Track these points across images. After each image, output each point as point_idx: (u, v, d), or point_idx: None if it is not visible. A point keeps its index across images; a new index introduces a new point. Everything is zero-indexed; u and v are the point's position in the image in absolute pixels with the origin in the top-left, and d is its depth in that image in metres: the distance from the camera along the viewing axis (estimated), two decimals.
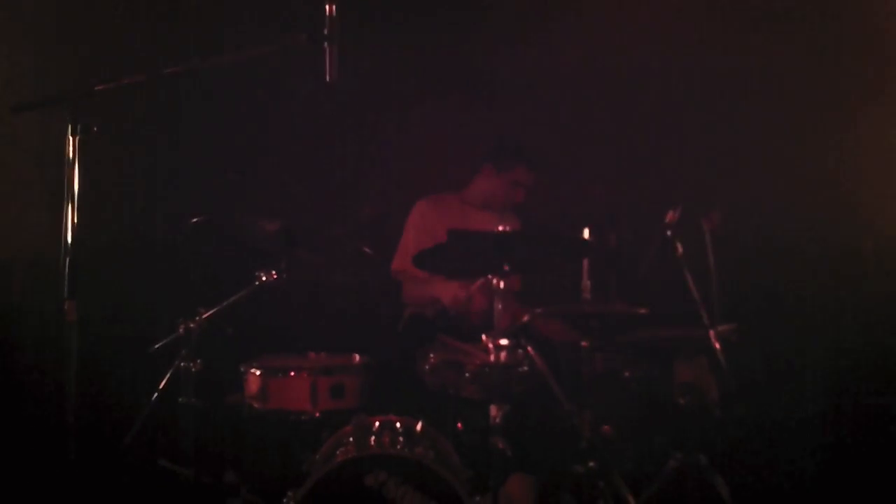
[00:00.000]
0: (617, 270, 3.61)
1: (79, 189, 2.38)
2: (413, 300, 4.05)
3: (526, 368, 3.24)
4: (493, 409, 2.98)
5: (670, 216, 3.38)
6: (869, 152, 4.29)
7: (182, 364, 3.16)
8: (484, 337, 3.10)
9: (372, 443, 3.03)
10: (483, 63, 4.61)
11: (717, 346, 3.24)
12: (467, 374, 3.26)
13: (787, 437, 4.15)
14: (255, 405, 3.27)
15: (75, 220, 2.37)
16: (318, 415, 3.24)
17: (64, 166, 2.36)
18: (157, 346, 3.21)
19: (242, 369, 3.33)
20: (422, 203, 4.15)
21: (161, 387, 3.19)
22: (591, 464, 3.28)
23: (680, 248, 3.33)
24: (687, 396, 3.45)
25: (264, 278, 3.33)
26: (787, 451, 4.11)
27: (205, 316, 3.21)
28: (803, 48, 4.35)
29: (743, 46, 4.39)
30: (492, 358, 3.04)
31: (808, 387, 4.25)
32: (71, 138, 2.37)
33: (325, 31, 2.46)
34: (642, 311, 3.36)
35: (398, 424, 3.15)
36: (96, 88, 2.42)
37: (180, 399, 3.16)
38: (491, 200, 4.14)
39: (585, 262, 3.47)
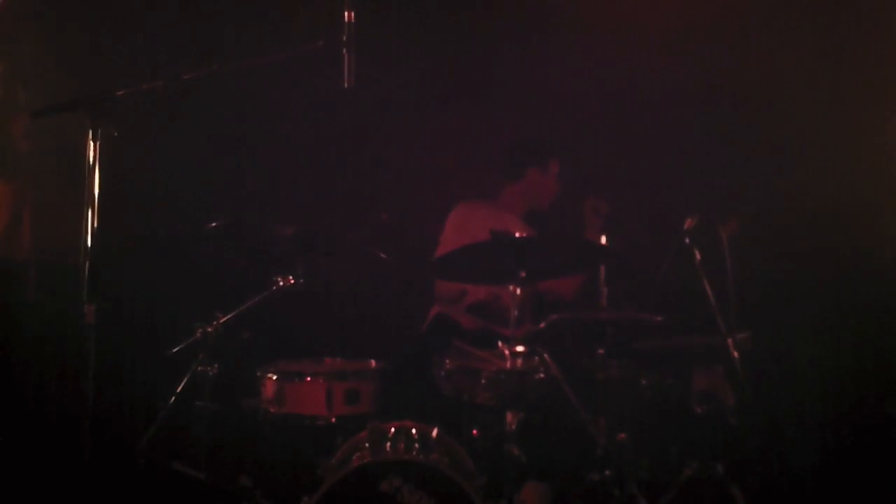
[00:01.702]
0: (627, 275, 3.60)
1: (98, 193, 2.39)
2: (443, 294, 4.06)
3: (542, 375, 3.23)
4: (508, 416, 2.98)
5: (688, 223, 3.37)
6: (889, 158, 4.26)
7: (199, 368, 3.18)
8: (500, 343, 3.10)
9: (387, 448, 3.03)
10: (501, 69, 4.61)
11: (735, 354, 3.22)
12: (483, 381, 3.26)
13: (804, 447, 4.12)
14: (271, 409, 3.27)
15: (95, 224, 2.38)
16: (333, 420, 3.24)
17: (84, 170, 2.38)
18: (174, 349, 3.22)
19: (258, 374, 3.34)
20: (462, 205, 4.17)
21: (177, 390, 3.20)
22: (607, 472, 3.27)
23: (698, 255, 3.32)
24: (704, 404, 3.43)
25: (281, 283, 3.34)
26: (803, 460, 4.08)
27: (222, 320, 3.22)
28: (825, 54, 4.32)
29: (764, 52, 4.37)
30: (507, 364, 3.03)
31: (825, 396, 4.22)
32: (91, 143, 2.39)
33: (344, 38, 2.47)
34: (659, 318, 3.35)
35: (413, 430, 3.15)
36: (117, 94, 2.44)
37: (196, 403, 3.18)
38: (541, 201, 4.19)
39: (602, 269, 3.46)
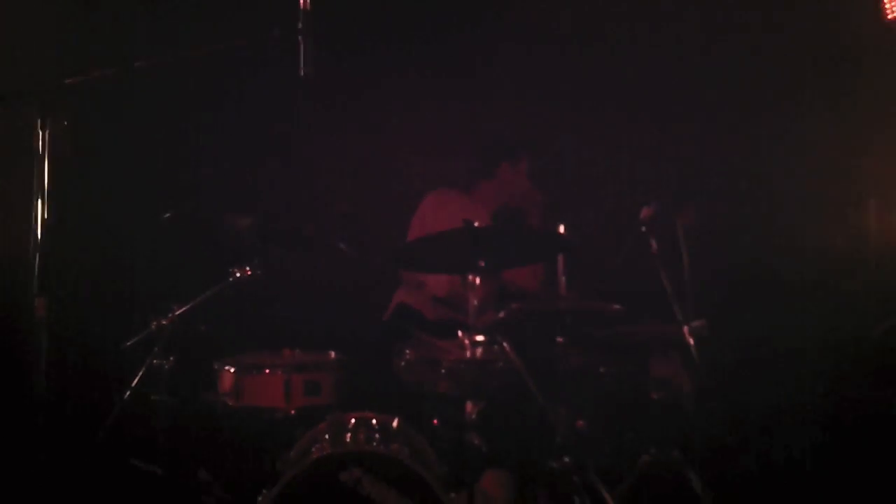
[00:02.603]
0: (585, 265, 3.62)
1: (48, 184, 2.34)
2: (405, 279, 4.07)
3: (501, 364, 3.24)
4: (468, 406, 2.98)
5: (645, 212, 3.40)
6: (846, 148, 4.32)
7: (155, 361, 3.14)
8: (460, 333, 3.10)
9: (347, 440, 3.02)
10: (462, 61, 4.60)
11: (691, 341, 3.26)
12: (443, 371, 3.26)
13: (760, 432, 4.19)
14: (229, 403, 3.24)
15: (45, 216, 2.34)
16: (292, 412, 3.22)
17: (33, 161, 2.33)
18: (129, 342, 3.18)
19: (216, 366, 3.30)
20: (438, 192, 4.18)
21: (133, 384, 3.15)
22: (566, 459, 3.29)
23: (654, 244, 3.35)
24: (661, 392, 3.47)
25: (238, 274, 3.31)
26: (759, 445, 4.15)
27: (178, 312, 3.19)
28: (784, 43, 4.38)
29: (723, 42, 4.42)
30: (467, 354, 3.04)
31: (781, 381, 4.29)
32: (40, 132, 2.34)
33: (299, 25, 2.45)
34: (617, 307, 3.38)
35: (374, 421, 3.15)
36: (66, 82, 2.39)
37: (153, 396, 3.14)
38: (513, 196, 4.20)
39: (561, 259, 3.48)
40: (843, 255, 4.33)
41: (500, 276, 4.05)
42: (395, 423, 3.13)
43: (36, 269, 2.33)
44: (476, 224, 2.97)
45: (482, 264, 3.03)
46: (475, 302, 3.02)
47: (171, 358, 3.16)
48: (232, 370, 3.25)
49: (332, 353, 3.45)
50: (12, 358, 3.77)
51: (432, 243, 3.14)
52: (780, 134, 4.36)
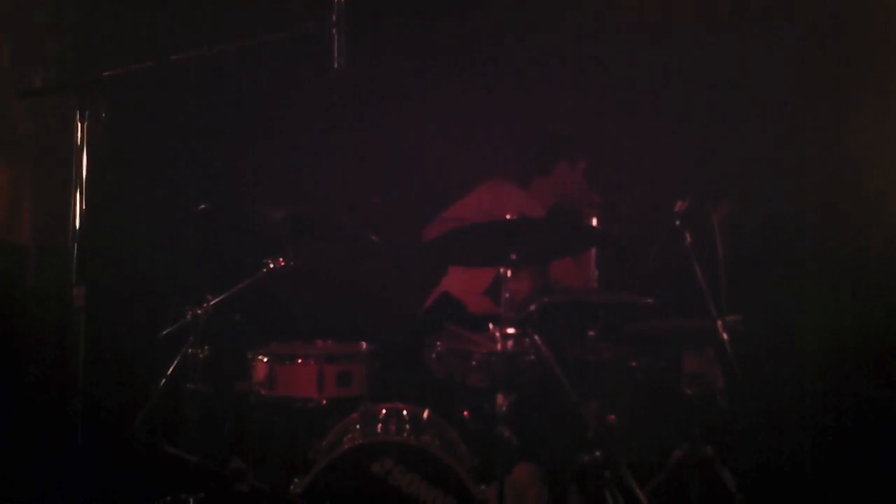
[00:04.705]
0: (618, 258, 3.60)
1: (87, 176, 2.38)
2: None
3: (532, 357, 3.23)
4: (499, 398, 2.98)
5: (679, 206, 3.38)
6: (876, 142, 4.26)
7: (189, 350, 3.17)
8: (491, 326, 3.11)
9: (378, 430, 3.04)
10: (492, 55, 4.59)
11: (725, 336, 3.23)
12: (474, 363, 3.26)
13: (793, 429, 4.15)
14: (262, 392, 3.27)
15: (83, 207, 2.37)
16: (324, 402, 3.24)
17: (72, 153, 2.37)
18: (164, 332, 3.21)
19: (249, 356, 3.33)
20: (491, 182, 4.13)
21: (168, 373, 3.19)
22: (597, 453, 3.28)
23: (688, 238, 3.32)
24: (693, 386, 3.45)
25: (271, 265, 3.33)
26: (792, 442, 4.11)
27: (212, 303, 3.21)
28: (812, 40, 4.32)
29: (752, 37, 4.37)
30: (498, 346, 3.04)
31: (814, 378, 4.24)
32: (79, 125, 2.37)
33: (333, 18, 2.46)
34: (649, 300, 3.36)
35: (405, 412, 3.16)
36: (104, 75, 2.42)
37: (187, 385, 3.17)
38: (569, 195, 4.15)
39: (593, 252, 3.46)
40: (880, 248, 4.26)
41: (546, 273, 4.02)
42: (425, 415, 3.14)
43: (75, 259, 2.37)
44: (508, 216, 2.97)
45: (513, 257, 3.03)
46: (507, 295, 3.02)
47: (206, 347, 3.19)
48: (265, 360, 3.28)
49: (364, 344, 3.47)
50: (52, 346, 3.85)
51: (464, 236, 3.14)
52: (815, 127, 4.30)
